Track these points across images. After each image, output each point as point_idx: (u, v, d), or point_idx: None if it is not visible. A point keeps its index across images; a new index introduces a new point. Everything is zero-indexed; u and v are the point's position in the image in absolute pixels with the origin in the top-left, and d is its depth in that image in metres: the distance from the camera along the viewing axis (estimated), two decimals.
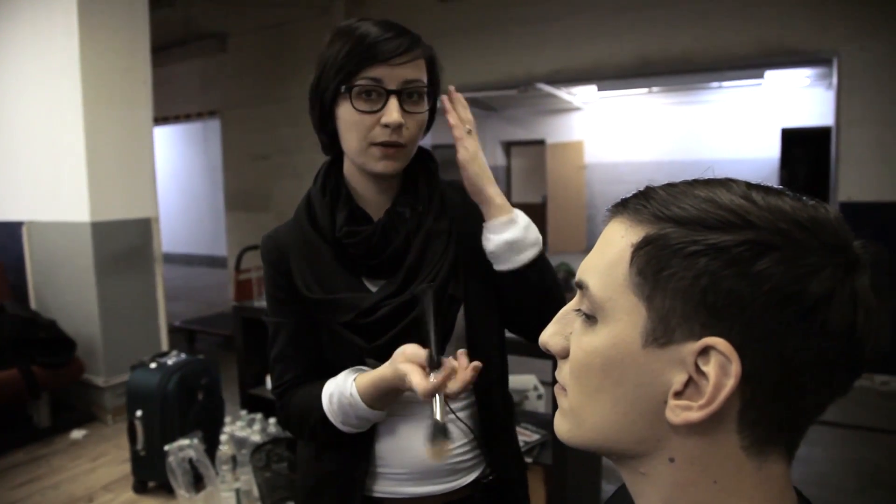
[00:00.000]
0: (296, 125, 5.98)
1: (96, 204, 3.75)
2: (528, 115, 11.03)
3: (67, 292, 3.99)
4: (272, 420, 2.77)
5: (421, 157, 1.08)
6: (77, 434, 3.71)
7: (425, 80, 1.00)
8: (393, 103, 0.95)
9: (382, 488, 1.07)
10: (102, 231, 3.78)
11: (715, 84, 8.60)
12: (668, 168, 9.39)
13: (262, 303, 2.81)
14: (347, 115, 0.97)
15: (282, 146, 6.10)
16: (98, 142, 3.76)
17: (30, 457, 3.44)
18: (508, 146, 12.23)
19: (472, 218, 1.07)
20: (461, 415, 1.07)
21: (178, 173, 10.76)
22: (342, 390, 0.98)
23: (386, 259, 1.01)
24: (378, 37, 0.95)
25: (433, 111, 1.06)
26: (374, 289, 1.03)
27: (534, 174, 12.10)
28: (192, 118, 7.22)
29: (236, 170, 6.61)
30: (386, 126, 0.95)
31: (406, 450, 1.05)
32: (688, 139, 9.52)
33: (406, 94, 0.97)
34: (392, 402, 0.99)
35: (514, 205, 1.05)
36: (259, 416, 2.77)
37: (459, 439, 1.07)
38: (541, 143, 11.24)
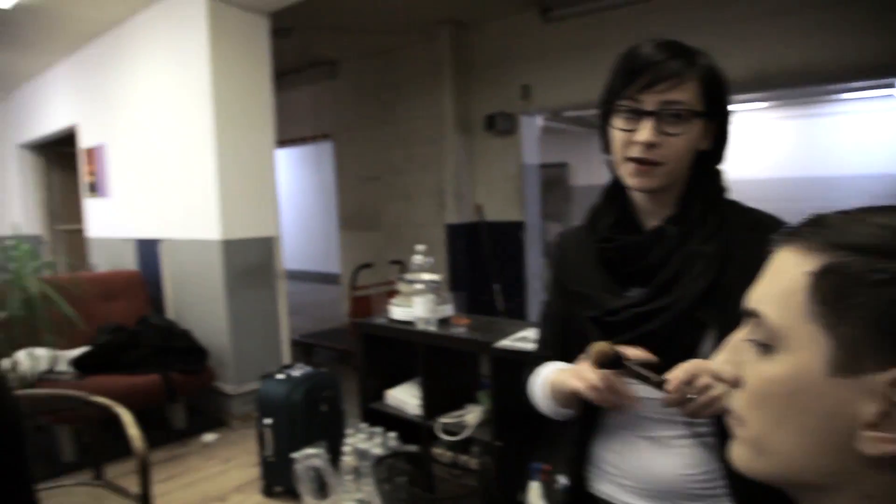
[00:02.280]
0: (404, 147, 6.17)
1: (226, 223, 4.02)
2: None
3: (200, 305, 4.29)
4: (392, 434, 2.87)
5: (704, 178, 1.09)
6: (209, 437, 3.96)
7: (691, 100, 1.01)
8: (646, 124, 1.00)
9: (607, 490, 1.14)
10: (231, 249, 4.05)
11: (838, 96, 8.12)
12: (787, 184, 8.92)
13: (382, 319, 2.92)
14: (612, 131, 1.06)
15: (391, 167, 6.30)
16: (227, 165, 4.04)
17: (168, 455, 3.71)
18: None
19: (756, 244, 1.05)
20: (702, 441, 1.05)
21: (293, 194, 11.31)
22: (546, 373, 1.15)
23: (640, 270, 1.06)
24: (646, 60, 1.01)
25: (724, 127, 1.07)
26: (627, 293, 1.09)
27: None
28: (307, 141, 7.58)
29: (349, 190, 6.88)
30: (639, 144, 1.01)
31: (645, 468, 1.08)
32: (807, 154, 9.02)
33: (664, 115, 1.00)
34: (567, 403, 1.10)
35: None
36: (380, 429, 2.87)
37: (702, 465, 1.04)
38: None
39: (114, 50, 5.01)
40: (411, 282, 2.75)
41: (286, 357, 4.33)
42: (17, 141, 7.34)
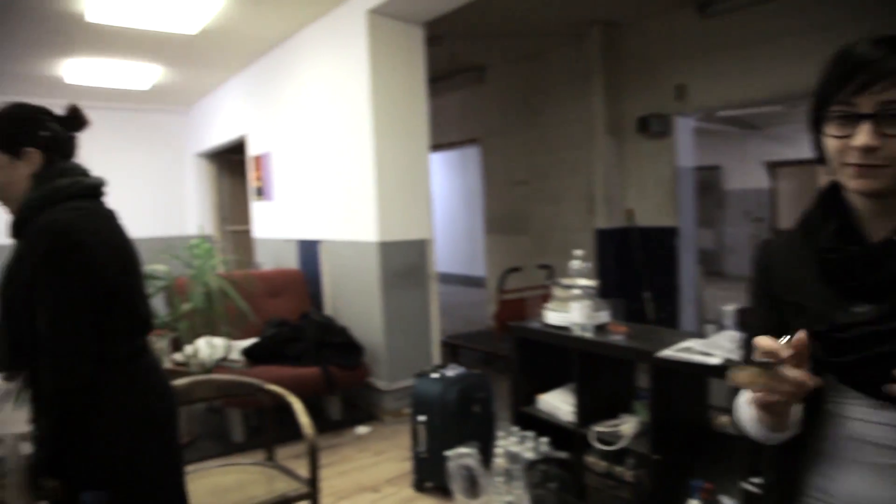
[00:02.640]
0: (551, 151, 6.12)
1: (383, 226, 4.19)
2: (794, 132, 10.03)
3: (356, 303, 4.49)
4: (543, 439, 2.84)
5: None
6: (362, 430, 4.14)
7: None
8: (863, 127, 0.93)
9: None
10: (387, 250, 4.21)
11: None
12: None
13: (536, 324, 2.91)
14: (826, 139, 1.00)
15: (539, 171, 6.27)
16: (385, 170, 4.20)
17: (325, 444, 3.89)
18: (773, 167, 11.22)
19: None
20: None
21: (438, 198, 11.55)
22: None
23: (867, 285, 0.98)
24: (861, 59, 0.93)
25: None
26: (850, 307, 0.99)
27: (805, 197, 10.94)
28: (454, 146, 7.74)
29: (496, 195, 6.94)
30: (856, 149, 0.94)
31: (861, 496, 1.00)
32: None
33: (884, 117, 0.92)
34: (778, 419, 0.98)
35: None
36: (531, 434, 2.86)
37: None
38: (812, 162, 10.10)
39: (280, 65, 5.39)
40: (568, 287, 2.71)
41: (436, 357, 4.43)
42: (194, 150, 8.10)
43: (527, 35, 5.70)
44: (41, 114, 1.63)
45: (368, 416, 4.35)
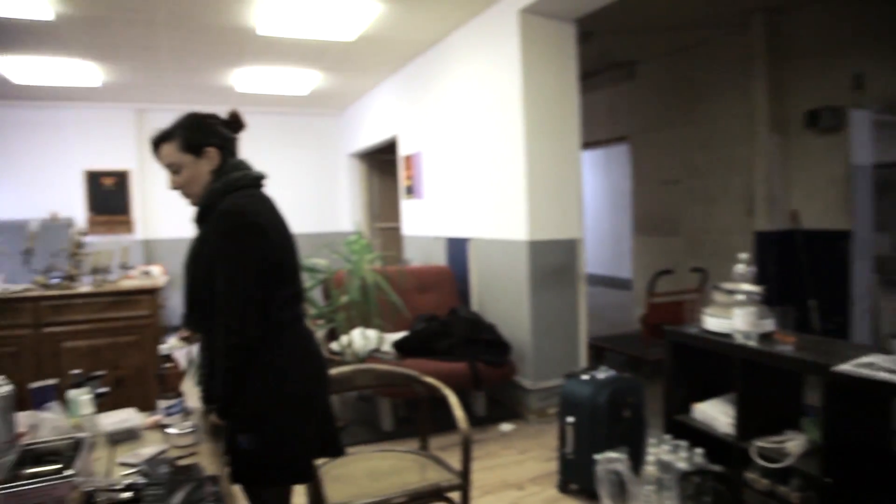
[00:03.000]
0: (707, 148, 5.83)
1: (533, 225, 4.20)
2: None
3: (503, 301, 4.53)
4: (698, 450, 2.73)
5: None
6: (506, 427, 4.17)
7: None
8: None
9: None
10: (537, 249, 4.21)
11: None
12: None
13: (694, 329, 2.79)
14: None
15: (693, 170, 6.00)
16: (535, 169, 4.20)
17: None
18: None
19: None
20: None
21: (583, 197, 11.37)
22: None
23: None
24: None
25: None
26: None
27: None
28: (601, 144, 7.58)
29: (645, 194, 6.72)
30: None
31: None
32: None
33: None
34: None
35: None
36: (685, 443, 2.75)
37: None
38: None
39: (431, 66, 5.55)
40: (730, 291, 2.58)
41: (583, 358, 4.38)
42: (346, 151, 8.54)
43: (681, 28, 5.46)
44: (212, 118, 1.92)
45: (512, 414, 4.38)
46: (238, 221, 1.74)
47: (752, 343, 2.48)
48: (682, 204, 6.12)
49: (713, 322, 2.67)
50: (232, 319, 1.69)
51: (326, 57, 5.69)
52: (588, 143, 7.41)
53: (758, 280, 2.58)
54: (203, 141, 1.85)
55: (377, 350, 4.25)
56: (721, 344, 2.60)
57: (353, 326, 4.17)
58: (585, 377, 3.09)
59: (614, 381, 3.04)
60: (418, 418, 2.67)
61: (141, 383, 3.74)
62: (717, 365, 2.78)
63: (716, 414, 2.74)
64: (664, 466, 2.74)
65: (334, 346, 4.31)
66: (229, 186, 1.82)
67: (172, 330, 4.74)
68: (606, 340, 5.38)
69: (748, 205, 5.36)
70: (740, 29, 5.31)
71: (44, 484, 1.36)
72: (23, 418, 1.88)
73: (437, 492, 2.31)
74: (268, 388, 1.76)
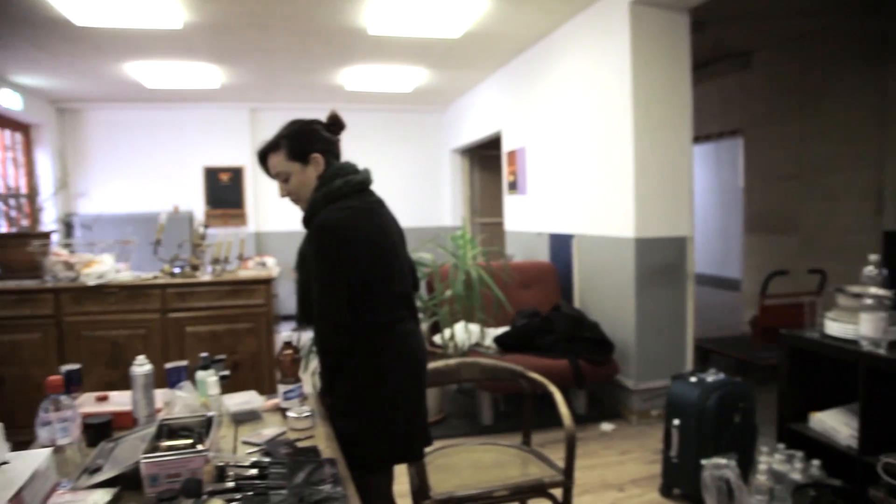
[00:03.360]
0: (828, 141, 5.47)
1: (640, 221, 4.10)
2: None
3: (608, 299, 4.46)
4: (815, 462, 2.59)
5: None
6: (606, 427, 4.12)
7: None
8: None
9: None
10: (644, 246, 4.12)
11: None
12: None
13: (814, 334, 2.65)
14: None
15: (812, 165, 5.65)
16: (644, 165, 4.10)
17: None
18: None
19: None
20: None
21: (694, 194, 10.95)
22: None
23: None
24: None
25: None
26: None
27: None
28: (712, 139, 7.27)
29: (759, 190, 6.39)
30: None
31: None
32: None
33: None
34: None
35: None
36: (800, 454, 2.62)
37: None
38: None
39: (537, 61, 5.52)
40: (857, 295, 2.43)
41: (689, 360, 4.25)
42: (449, 146, 8.64)
43: (803, 13, 5.15)
44: (315, 124, 1.98)
45: (613, 414, 4.31)
46: (330, 238, 1.81)
47: (881, 351, 2.33)
48: (800, 201, 5.78)
49: (836, 327, 2.52)
50: (324, 328, 1.82)
51: (432, 54, 5.78)
52: (697, 138, 7.15)
53: (889, 283, 2.42)
54: (308, 148, 1.91)
55: (478, 345, 4.29)
56: (845, 351, 2.46)
57: (455, 320, 4.23)
58: (693, 379, 3.00)
59: (724, 384, 2.93)
60: (523, 414, 2.68)
61: (254, 368, 3.96)
62: (838, 372, 2.64)
63: (836, 424, 2.60)
64: (777, 477, 2.63)
65: (437, 339, 4.39)
66: (330, 196, 1.88)
67: (283, 319, 5.00)
68: (712, 342, 5.18)
69: (876, 202, 5.00)
70: (869, 11, 4.94)
71: (182, 456, 1.47)
72: (159, 395, 2.05)
73: (540, 487, 2.32)
74: (360, 386, 1.88)
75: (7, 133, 6.72)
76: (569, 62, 4.93)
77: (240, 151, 8.13)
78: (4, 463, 1.31)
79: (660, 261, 4.15)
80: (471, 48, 5.59)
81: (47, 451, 1.42)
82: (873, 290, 2.38)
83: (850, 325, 2.46)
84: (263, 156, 1.97)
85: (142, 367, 1.95)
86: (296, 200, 1.97)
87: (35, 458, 1.36)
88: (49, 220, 6.74)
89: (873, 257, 2.46)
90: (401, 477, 3.01)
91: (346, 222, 1.83)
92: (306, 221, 1.92)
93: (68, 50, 5.29)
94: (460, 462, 2.50)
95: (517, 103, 6.07)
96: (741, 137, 6.67)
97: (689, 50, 4.20)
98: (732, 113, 6.72)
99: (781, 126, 6.02)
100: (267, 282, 3.95)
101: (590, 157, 4.67)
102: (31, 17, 4.36)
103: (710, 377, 2.99)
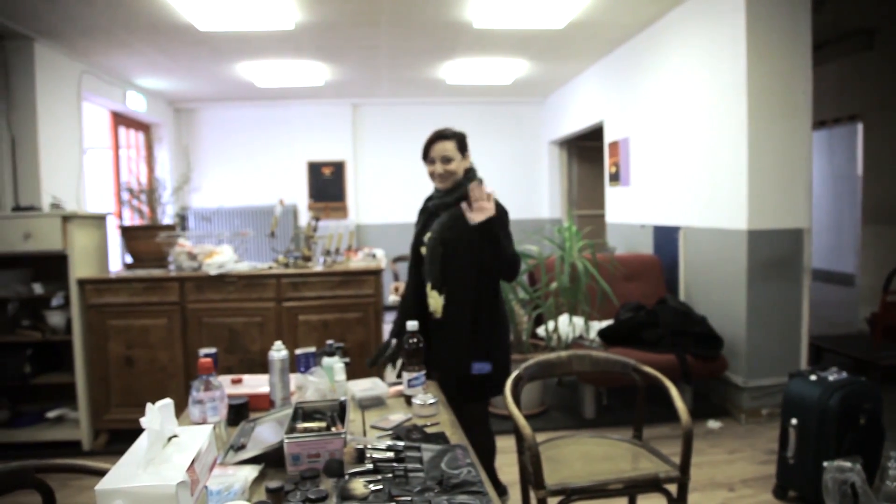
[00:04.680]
0: None
1: (753, 213, 3.97)
2: None
3: (716, 293, 4.35)
4: None
5: None
6: (713, 424, 4.03)
7: None
8: None
9: None
10: (756, 239, 3.98)
11: None
12: None
13: None
14: None
15: None
16: (759, 153, 3.96)
17: (673, 433, 3.89)
18: None
19: None
20: None
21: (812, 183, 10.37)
22: None
23: None
24: None
25: None
26: None
27: None
28: (826, 125, 6.88)
29: (880, 179, 6.00)
30: None
31: None
32: None
33: None
34: None
35: None
36: None
37: None
38: None
39: (642, 50, 5.41)
40: None
41: (804, 358, 4.08)
42: (547, 138, 8.59)
43: None
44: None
45: (721, 411, 4.21)
46: (506, 211, 2.58)
47: None
48: None
49: None
50: (516, 261, 2.57)
51: (533, 45, 5.77)
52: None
53: None
54: (467, 147, 2.64)
55: (581, 337, 4.29)
56: None
57: (559, 313, 4.24)
58: (813, 377, 2.90)
59: (848, 383, 2.81)
60: (635, 407, 2.67)
61: (363, 356, 4.11)
62: None
63: None
64: None
65: (540, 331, 4.42)
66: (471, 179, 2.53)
67: (389, 309, 5.15)
68: (826, 340, 4.93)
69: None
70: None
71: (322, 437, 1.58)
72: (293, 379, 2.19)
73: (655, 482, 2.31)
74: (499, 331, 2.64)
75: (132, 132, 7.24)
76: (676, 49, 4.81)
77: (342, 146, 8.40)
78: (174, 437, 1.45)
79: (774, 253, 4.00)
80: (573, 39, 5.54)
81: (209, 427, 1.56)
82: None
83: None
84: (440, 138, 2.57)
85: (279, 352, 2.10)
86: (444, 178, 2.58)
87: (201, 434, 1.51)
88: (169, 214, 7.23)
89: None
90: (509, 467, 3.06)
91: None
92: (448, 193, 2.59)
93: (189, 53, 5.65)
94: (570, 454, 2.52)
95: (620, 93, 5.97)
96: (860, 123, 6.29)
97: (809, 30, 4.00)
98: (850, 97, 6.33)
99: None
100: (376, 273, 4.09)
101: (698, 147, 4.54)
102: (159, 24, 4.69)
103: (832, 376, 2.88)
